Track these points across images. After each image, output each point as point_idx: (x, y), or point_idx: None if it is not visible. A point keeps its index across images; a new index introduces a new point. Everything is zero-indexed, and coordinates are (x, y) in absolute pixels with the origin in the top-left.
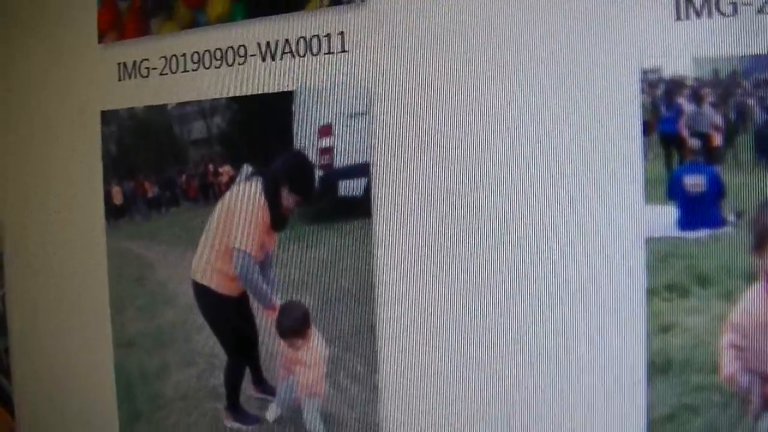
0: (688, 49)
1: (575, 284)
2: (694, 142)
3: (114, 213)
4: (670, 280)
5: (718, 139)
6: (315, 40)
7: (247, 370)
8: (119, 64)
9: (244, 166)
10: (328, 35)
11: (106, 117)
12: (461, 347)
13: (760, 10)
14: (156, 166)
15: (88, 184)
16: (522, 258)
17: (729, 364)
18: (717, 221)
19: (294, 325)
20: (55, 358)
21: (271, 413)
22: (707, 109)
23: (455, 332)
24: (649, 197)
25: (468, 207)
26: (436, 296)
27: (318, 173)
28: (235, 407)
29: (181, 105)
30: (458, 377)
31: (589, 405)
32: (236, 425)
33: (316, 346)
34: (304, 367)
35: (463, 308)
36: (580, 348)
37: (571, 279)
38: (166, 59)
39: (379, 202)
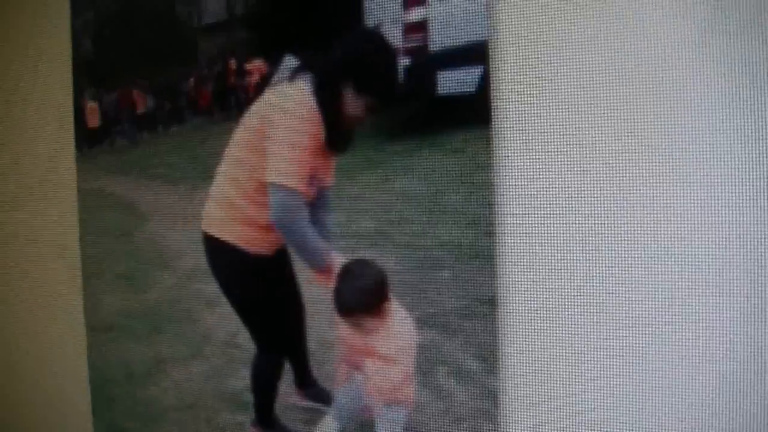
0: None
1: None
2: None
3: (88, 139)
4: None
5: None
6: None
7: (288, 366)
8: None
9: (285, 58)
10: None
11: (78, 1)
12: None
13: None
14: (150, 67)
15: (48, 100)
16: None
17: None
18: None
19: (363, 296)
20: (8, 347)
21: (326, 430)
22: None
23: (607, 312)
24: None
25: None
26: (584, 249)
27: (403, 62)
28: (267, 422)
29: None
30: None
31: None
32: None
33: (398, 329)
34: (379, 361)
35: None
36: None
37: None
38: None
39: (501, 103)
